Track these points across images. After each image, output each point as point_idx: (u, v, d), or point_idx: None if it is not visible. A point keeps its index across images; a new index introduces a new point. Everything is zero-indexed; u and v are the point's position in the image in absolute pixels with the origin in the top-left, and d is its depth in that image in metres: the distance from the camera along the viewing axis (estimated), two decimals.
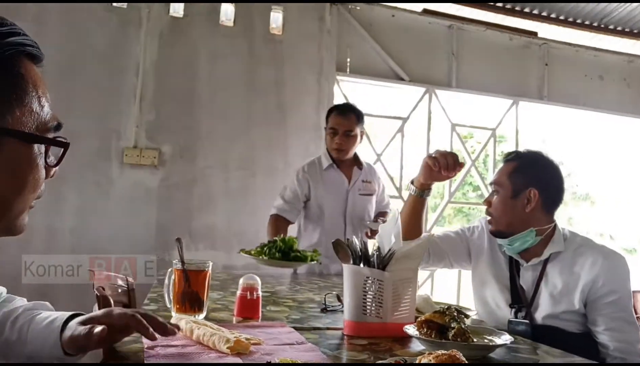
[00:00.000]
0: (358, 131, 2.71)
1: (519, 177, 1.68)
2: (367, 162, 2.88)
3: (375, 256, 1.27)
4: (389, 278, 1.24)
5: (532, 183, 1.68)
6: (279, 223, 2.64)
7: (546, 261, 1.65)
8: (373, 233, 2.50)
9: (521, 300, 1.66)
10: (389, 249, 1.26)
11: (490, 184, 1.75)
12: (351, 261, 1.29)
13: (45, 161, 0.75)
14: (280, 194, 2.74)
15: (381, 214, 2.77)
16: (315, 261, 2.10)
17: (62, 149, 0.77)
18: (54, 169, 0.78)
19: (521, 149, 1.90)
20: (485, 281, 1.79)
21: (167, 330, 0.93)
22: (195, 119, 3.59)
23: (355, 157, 2.80)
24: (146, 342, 0.97)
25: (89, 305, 1.32)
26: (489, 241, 1.81)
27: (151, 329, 0.89)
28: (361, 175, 2.77)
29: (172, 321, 1.11)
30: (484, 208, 1.80)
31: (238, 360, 0.94)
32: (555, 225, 1.70)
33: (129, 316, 0.91)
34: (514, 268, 1.72)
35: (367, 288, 1.24)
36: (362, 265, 1.27)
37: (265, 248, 2.08)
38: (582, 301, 1.56)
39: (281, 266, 1.96)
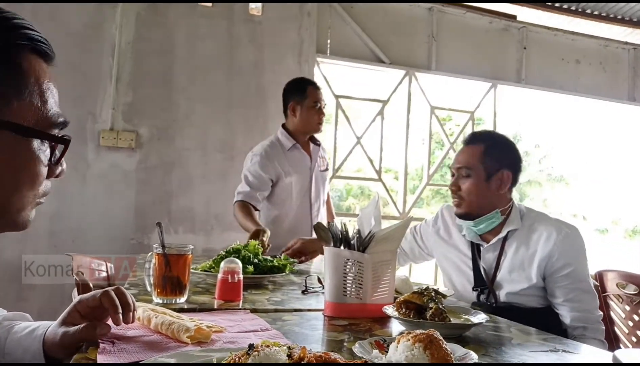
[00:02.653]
0: None
1: (490, 160, 1.71)
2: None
3: (355, 238, 1.28)
4: (369, 259, 1.25)
5: (504, 164, 1.72)
6: (248, 210, 2.47)
7: (504, 240, 1.71)
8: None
9: (484, 282, 1.71)
10: (369, 232, 1.28)
11: (458, 168, 1.75)
12: (332, 244, 1.30)
13: (51, 159, 0.74)
14: (244, 180, 2.58)
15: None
16: (293, 273, 1.82)
17: (63, 147, 0.76)
18: (59, 168, 0.77)
19: (476, 130, 1.99)
20: (449, 267, 1.85)
21: (130, 315, 0.92)
22: (173, 101, 3.54)
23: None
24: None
25: (67, 291, 1.31)
26: (449, 229, 1.88)
27: (119, 313, 0.90)
28: (320, 151, 2.77)
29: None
30: None
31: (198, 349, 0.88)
32: (513, 203, 1.76)
33: (101, 294, 0.91)
34: (475, 250, 1.77)
35: (347, 270, 1.26)
36: (342, 247, 1.29)
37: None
38: (540, 275, 1.63)
39: (253, 282, 1.60)
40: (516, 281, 1.66)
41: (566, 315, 1.60)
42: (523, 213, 1.74)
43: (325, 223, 2.37)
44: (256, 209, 2.56)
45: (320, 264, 2.03)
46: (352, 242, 1.28)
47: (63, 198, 3.27)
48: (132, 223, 3.41)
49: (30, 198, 0.73)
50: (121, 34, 3.44)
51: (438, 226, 1.92)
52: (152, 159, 3.48)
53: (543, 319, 1.52)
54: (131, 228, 3.38)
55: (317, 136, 2.77)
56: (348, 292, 1.25)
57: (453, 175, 1.78)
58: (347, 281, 1.26)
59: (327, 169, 2.84)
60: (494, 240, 1.71)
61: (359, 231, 1.30)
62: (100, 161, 3.38)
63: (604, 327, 1.63)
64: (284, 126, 2.73)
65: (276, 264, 1.73)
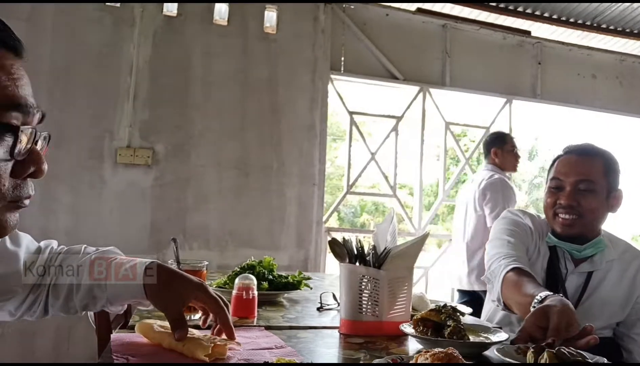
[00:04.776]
0: None
1: (612, 177, 1.51)
2: None
3: (371, 254, 1.27)
4: (385, 276, 1.24)
5: (618, 183, 1.54)
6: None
7: (593, 269, 1.52)
8: None
9: None
10: (385, 248, 1.26)
11: (579, 180, 1.49)
12: (347, 260, 1.29)
13: (12, 152, 0.64)
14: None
15: None
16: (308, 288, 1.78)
17: (32, 138, 0.67)
18: (32, 166, 0.68)
19: (576, 143, 1.62)
20: None
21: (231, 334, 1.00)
22: (188, 118, 3.58)
23: None
24: (115, 349, 0.93)
25: None
26: (538, 240, 1.60)
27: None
28: None
29: (137, 328, 1.04)
30: None
31: None
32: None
33: (219, 305, 1.01)
34: (559, 272, 1.54)
35: (363, 287, 1.24)
36: (357, 264, 1.27)
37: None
38: (630, 308, 1.49)
39: (268, 299, 1.59)
40: (606, 316, 1.49)
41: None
42: (611, 240, 1.57)
43: None
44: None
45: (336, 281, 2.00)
46: (367, 258, 1.27)
47: (79, 214, 3.31)
48: (147, 238, 3.43)
49: None
50: (138, 53, 3.50)
51: (529, 237, 1.61)
52: (168, 176, 3.51)
53: (608, 349, 1.41)
54: (146, 244, 3.40)
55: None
56: (364, 309, 1.23)
57: (559, 188, 1.53)
58: (363, 298, 1.24)
59: None
60: (585, 267, 1.52)
61: (374, 247, 1.29)
62: (117, 178, 3.42)
63: None
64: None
65: (291, 280, 1.72)
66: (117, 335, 1.03)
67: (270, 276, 1.69)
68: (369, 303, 1.23)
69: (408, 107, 4.25)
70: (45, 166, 0.71)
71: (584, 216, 1.48)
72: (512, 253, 1.49)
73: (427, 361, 0.79)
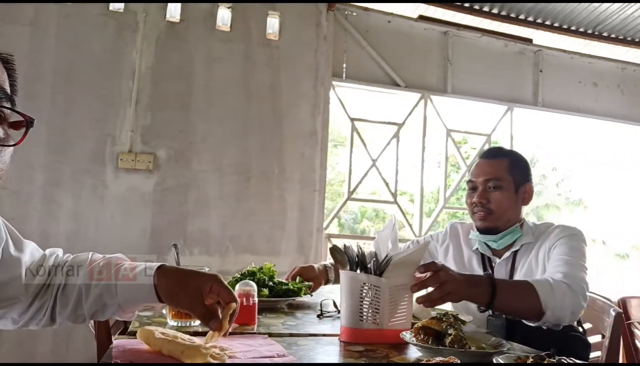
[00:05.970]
0: None
1: (517, 173, 1.73)
2: None
3: (372, 262, 1.26)
4: (386, 284, 1.23)
5: (527, 178, 1.75)
6: None
7: (515, 253, 1.71)
8: None
9: None
10: (386, 255, 1.26)
11: (486, 179, 1.72)
12: (348, 267, 1.28)
13: None
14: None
15: None
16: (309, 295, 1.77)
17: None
18: None
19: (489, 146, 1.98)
20: None
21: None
22: (190, 124, 3.59)
23: None
24: (116, 355, 0.92)
25: None
26: (460, 246, 1.85)
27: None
28: None
29: (139, 334, 1.03)
30: None
31: None
32: (524, 218, 1.78)
33: (233, 296, 1.01)
34: (487, 265, 1.76)
35: (363, 294, 1.24)
36: (358, 271, 1.27)
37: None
38: (544, 270, 1.60)
39: (268, 305, 1.58)
40: None
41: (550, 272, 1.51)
42: (534, 226, 1.75)
43: None
44: None
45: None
46: (368, 266, 1.27)
47: (80, 219, 3.31)
48: (148, 244, 3.42)
49: None
50: (141, 58, 3.51)
51: (447, 243, 1.90)
52: (169, 181, 3.51)
53: (561, 343, 1.46)
54: (147, 249, 3.39)
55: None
56: (364, 317, 1.23)
57: (473, 189, 1.76)
58: (364, 306, 1.23)
59: None
60: (507, 254, 1.71)
61: (375, 255, 1.28)
62: (118, 183, 3.42)
63: (587, 288, 1.49)
64: None
65: (291, 287, 1.71)
66: (118, 341, 1.03)
67: (271, 283, 1.68)
68: (370, 311, 1.23)
69: (409, 114, 4.26)
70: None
71: (494, 210, 1.70)
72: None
73: None
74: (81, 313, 1.00)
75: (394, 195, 4.21)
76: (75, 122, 3.33)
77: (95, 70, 3.43)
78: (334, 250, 1.34)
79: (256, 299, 1.37)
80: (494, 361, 0.99)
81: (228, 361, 0.93)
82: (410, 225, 4.27)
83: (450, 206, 4.54)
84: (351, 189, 4.10)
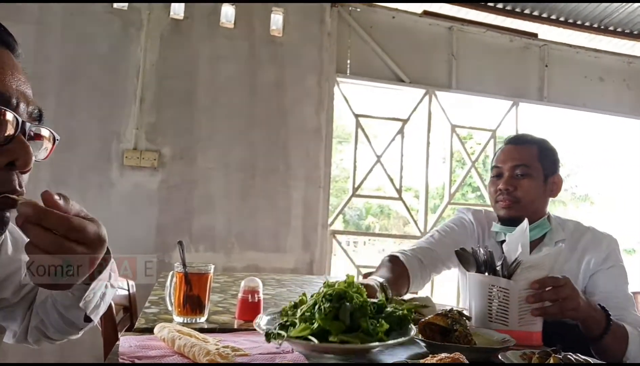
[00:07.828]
0: None
1: (546, 162, 1.61)
2: None
3: (501, 264, 1.30)
4: (515, 287, 1.26)
5: (556, 168, 1.63)
6: None
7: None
8: None
9: None
10: (515, 259, 1.29)
11: (514, 165, 1.60)
12: (474, 270, 1.34)
13: None
14: None
15: None
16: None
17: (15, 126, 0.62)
18: (12, 155, 0.64)
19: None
20: None
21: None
22: (195, 121, 3.59)
23: None
24: (122, 351, 0.92)
25: None
26: (484, 236, 1.71)
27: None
28: None
29: (156, 329, 1.04)
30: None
31: None
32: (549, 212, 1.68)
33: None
34: None
35: (492, 296, 1.28)
36: (487, 274, 1.32)
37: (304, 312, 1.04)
38: (585, 282, 1.54)
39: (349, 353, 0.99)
40: None
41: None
42: (561, 221, 1.65)
43: None
44: None
45: None
46: (497, 268, 1.30)
47: None
48: (153, 241, 3.44)
49: None
50: (146, 56, 3.52)
51: (469, 232, 1.72)
52: (174, 179, 3.52)
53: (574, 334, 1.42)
54: (152, 246, 3.41)
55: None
56: (493, 318, 1.28)
57: (498, 175, 1.63)
58: (493, 307, 1.28)
59: None
60: (536, 250, 1.56)
61: (504, 258, 1.30)
62: (124, 180, 3.44)
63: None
64: None
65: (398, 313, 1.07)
66: (125, 338, 1.03)
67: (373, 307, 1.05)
68: (498, 312, 1.27)
69: (414, 109, 4.25)
70: (30, 159, 0.65)
71: (520, 199, 1.58)
72: (419, 245, 1.69)
73: None
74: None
75: (399, 191, 4.21)
76: (80, 120, 3.34)
77: (100, 68, 3.44)
78: (460, 252, 1.39)
79: (262, 295, 1.36)
80: (500, 358, 0.99)
81: (237, 360, 0.92)
82: (415, 221, 4.26)
83: (455, 202, 4.52)
84: (356, 186, 4.09)
